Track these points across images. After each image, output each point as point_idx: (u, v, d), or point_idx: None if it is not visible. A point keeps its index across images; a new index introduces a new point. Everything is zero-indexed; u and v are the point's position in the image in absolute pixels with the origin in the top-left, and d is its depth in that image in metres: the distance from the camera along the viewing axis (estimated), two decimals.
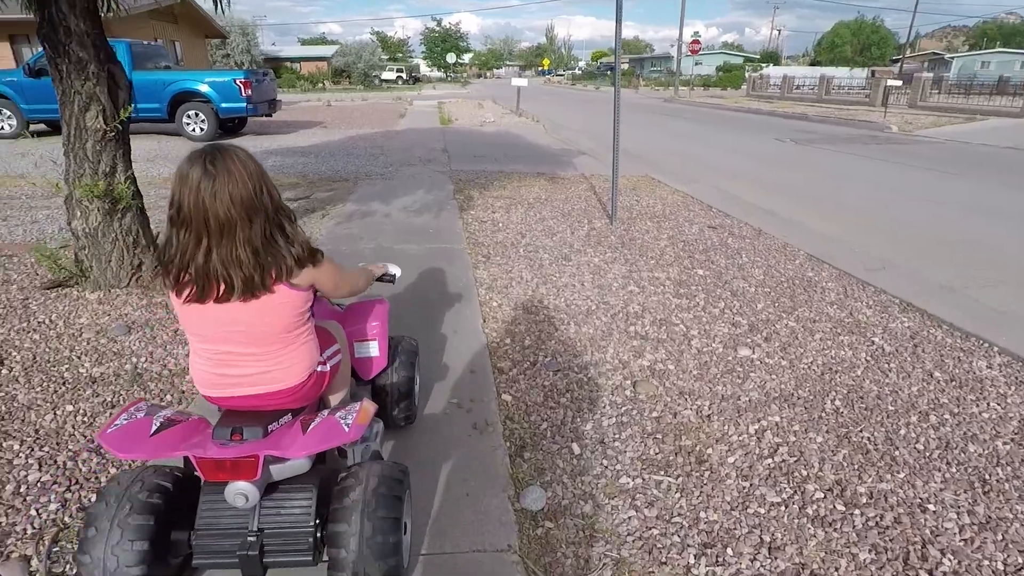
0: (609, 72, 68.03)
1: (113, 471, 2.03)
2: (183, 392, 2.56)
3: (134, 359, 2.81)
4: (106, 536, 1.30)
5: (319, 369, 1.56)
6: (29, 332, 3.02)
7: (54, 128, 12.23)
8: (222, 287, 1.32)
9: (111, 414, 2.36)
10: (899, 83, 18.10)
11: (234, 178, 1.28)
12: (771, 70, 41.19)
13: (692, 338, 3.14)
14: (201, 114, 11.39)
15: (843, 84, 28.32)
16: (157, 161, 8.78)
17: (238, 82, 11.25)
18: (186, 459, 1.49)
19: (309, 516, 1.43)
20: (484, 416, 2.37)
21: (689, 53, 30.93)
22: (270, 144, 10.98)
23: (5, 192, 6.48)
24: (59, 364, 2.73)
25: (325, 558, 1.41)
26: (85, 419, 2.33)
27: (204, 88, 11.30)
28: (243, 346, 1.40)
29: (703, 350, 3.01)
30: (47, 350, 2.85)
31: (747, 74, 38.19)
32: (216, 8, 3.68)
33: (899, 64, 50.63)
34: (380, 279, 1.94)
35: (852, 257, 4.63)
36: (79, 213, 3.27)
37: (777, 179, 8.27)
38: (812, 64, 58.45)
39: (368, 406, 1.50)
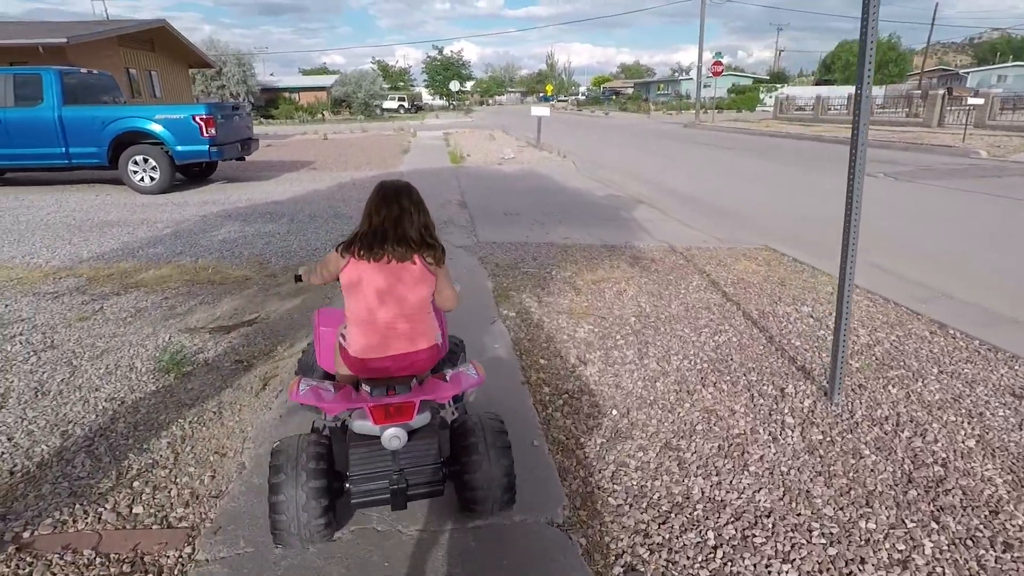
0: (615, 96, 66.32)
1: None
2: None
3: None
4: (295, 499, 1.65)
5: (437, 341, 1.97)
6: None
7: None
8: (388, 243, 1.82)
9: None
10: (980, 102, 15.68)
11: (412, 194, 1.94)
12: (795, 90, 39.13)
13: None
14: (151, 160, 8.93)
15: (883, 103, 26.07)
16: (73, 234, 6.23)
17: (198, 119, 8.82)
18: (315, 426, 2.00)
19: (437, 456, 1.80)
20: None
21: (711, 75, 28.79)
22: (237, 198, 8.48)
23: None
24: None
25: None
26: None
27: (155, 127, 8.86)
28: (393, 312, 1.84)
29: None
30: None
31: (771, 96, 36.16)
32: None
33: (919, 80, 48.73)
34: None
35: None
36: None
37: (942, 244, 5.67)
38: (817, 83, 56.59)
39: (478, 363, 1.95)
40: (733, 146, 17.35)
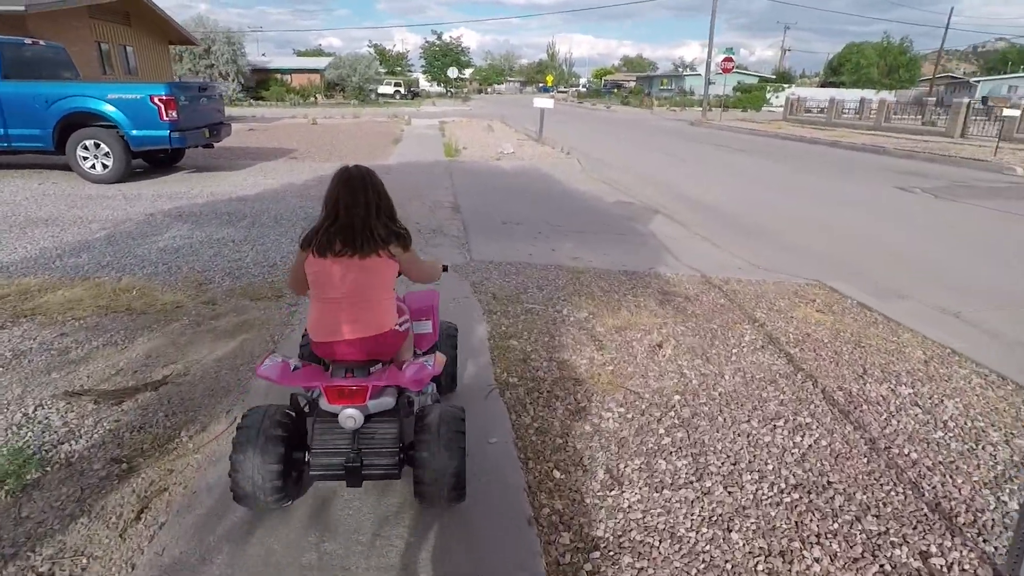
0: (616, 90, 64.97)
1: None
2: None
3: None
4: (251, 458, 1.73)
5: (397, 327, 1.97)
6: None
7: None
8: (357, 241, 1.84)
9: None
10: (1016, 113, 14.70)
11: (376, 183, 1.94)
12: (805, 91, 38.16)
13: None
14: (103, 145, 7.84)
15: (895, 111, 25.15)
16: None
17: (156, 100, 7.72)
18: (293, 399, 1.95)
19: (396, 441, 1.85)
20: None
21: (721, 72, 27.74)
22: (198, 192, 7.42)
23: None
24: None
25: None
26: None
27: (108, 108, 7.75)
28: (353, 297, 1.87)
29: None
30: None
31: (777, 96, 35.14)
32: None
33: (930, 87, 47.73)
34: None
35: None
36: None
37: (1019, 285, 4.76)
38: (823, 85, 55.58)
39: (440, 356, 1.99)
40: (744, 148, 16.39)
